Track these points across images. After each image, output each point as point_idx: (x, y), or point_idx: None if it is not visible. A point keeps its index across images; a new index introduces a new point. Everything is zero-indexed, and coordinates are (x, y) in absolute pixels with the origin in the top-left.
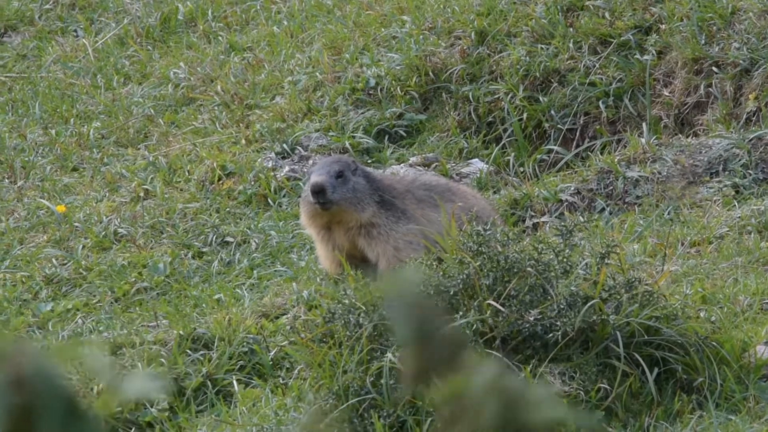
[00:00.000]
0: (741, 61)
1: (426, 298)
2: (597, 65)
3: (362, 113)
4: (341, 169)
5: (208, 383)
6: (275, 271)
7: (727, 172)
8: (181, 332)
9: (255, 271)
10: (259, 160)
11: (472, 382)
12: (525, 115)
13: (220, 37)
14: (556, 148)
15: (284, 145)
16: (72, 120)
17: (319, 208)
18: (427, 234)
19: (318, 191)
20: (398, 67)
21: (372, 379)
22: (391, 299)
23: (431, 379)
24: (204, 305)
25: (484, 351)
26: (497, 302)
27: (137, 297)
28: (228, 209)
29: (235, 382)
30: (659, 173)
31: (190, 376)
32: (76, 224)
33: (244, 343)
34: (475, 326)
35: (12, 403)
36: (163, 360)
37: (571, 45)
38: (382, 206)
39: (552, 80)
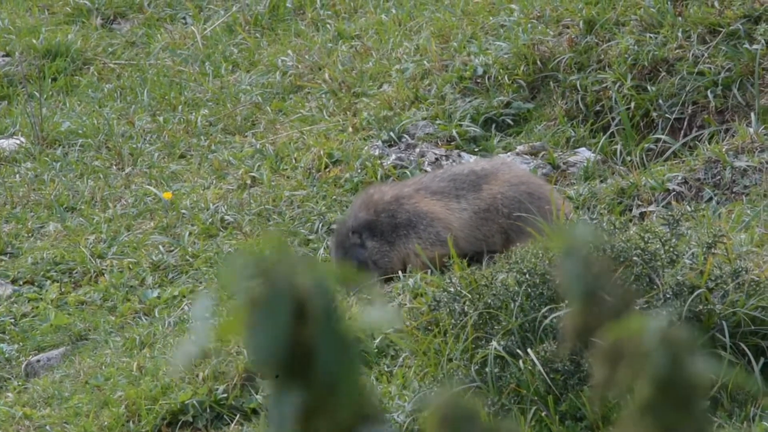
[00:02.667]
0: None
1: (597, 255)
2: (706, 54)
3: (469, 102)
4: (358, 262)
5: None
6: None
7: None
8: None
9: None
10: (365, 148)
11: (642, 327)
12: (633, 104)
13: (328, 25)
14: (663, 137)
15: (391, 133)
16: (180, 107)
17: None
18: (447, 225)
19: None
20: (506, 56)
21: (477, 367)
22: (564, 253)
23: (593, 337)
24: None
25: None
26: None
27: None
28: (334, 197)
29: None
30: (767, 163)
31: None
32: (183, 211)
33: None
34: None
35: (290, 311)
36: None
37: (679, 34)
38: (391, 240)
39: (660, 69)
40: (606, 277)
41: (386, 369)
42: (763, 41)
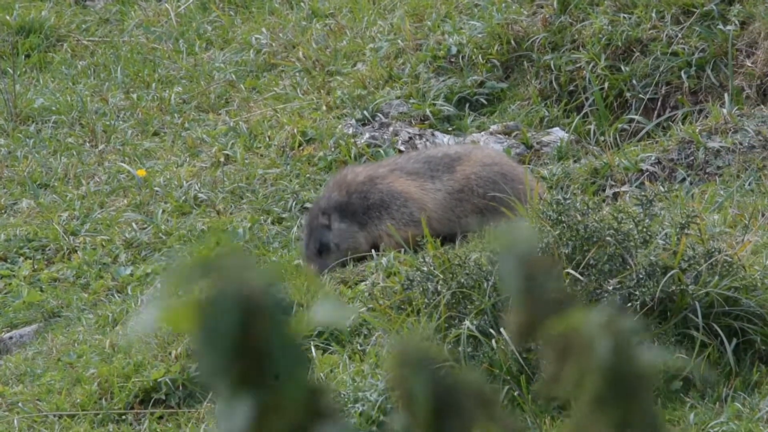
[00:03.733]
0: None
1: (538, 253)
2: (679, 35)
3: (443, 81)
4: (320, 244)
5: None
6: None
7: None
8: None
9: None
10: (339, 126)
11: (587, 320)
12: (606, 85)
13: (302, 3)
14: (637, 117)
15: (365, 112)
16: (153, 85)
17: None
18: (421, 205)
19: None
20: (480, 35)
21: (450, 346)
22: (503, 252)
23: (536, 333)
24: (283, 271)
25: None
26: (576, 271)
27: None
28: (308, 175)
29: (313, 348)
30: (741, 144)
31: None
32: (156, 189)
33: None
34: None
35: (237, 317)
36: None
37: (653, 14)
38: (364, 223)
39: (634, 50)
40: (545, 276)
41: (359, 348)
42: (736, 22)
